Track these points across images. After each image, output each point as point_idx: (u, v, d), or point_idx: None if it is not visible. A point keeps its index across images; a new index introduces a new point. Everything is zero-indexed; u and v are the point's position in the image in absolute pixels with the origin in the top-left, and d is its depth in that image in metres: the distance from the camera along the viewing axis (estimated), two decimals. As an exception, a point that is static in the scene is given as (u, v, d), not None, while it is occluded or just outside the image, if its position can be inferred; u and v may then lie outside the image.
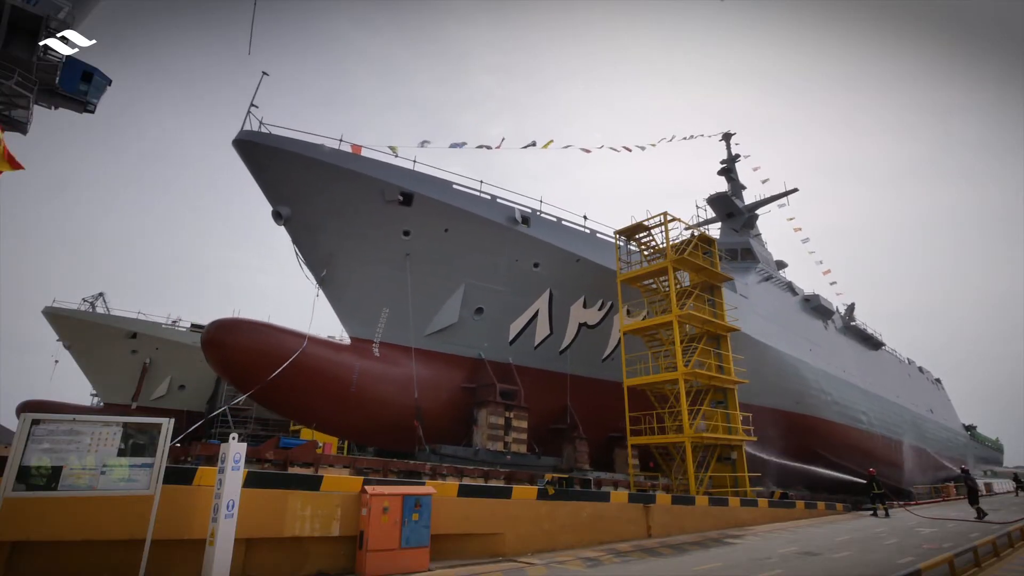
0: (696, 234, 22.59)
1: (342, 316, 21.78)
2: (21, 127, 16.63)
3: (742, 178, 42.87)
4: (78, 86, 17.11)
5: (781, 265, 41.70)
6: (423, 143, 20.62)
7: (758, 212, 40.92)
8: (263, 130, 18.69)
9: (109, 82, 17.75)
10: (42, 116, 17.61)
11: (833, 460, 31.66)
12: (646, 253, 22.47)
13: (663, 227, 21.30)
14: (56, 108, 17.51)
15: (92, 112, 17.76)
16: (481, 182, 20.84)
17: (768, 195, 41.32)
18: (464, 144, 21.98)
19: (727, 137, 43.07)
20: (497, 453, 19.21)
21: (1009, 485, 43.81)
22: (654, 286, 21.72)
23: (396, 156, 19.72)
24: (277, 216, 19.38)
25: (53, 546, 7.20)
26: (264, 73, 18.49)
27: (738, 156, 42.98)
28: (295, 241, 20.36)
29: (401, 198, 19.23)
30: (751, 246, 36.04)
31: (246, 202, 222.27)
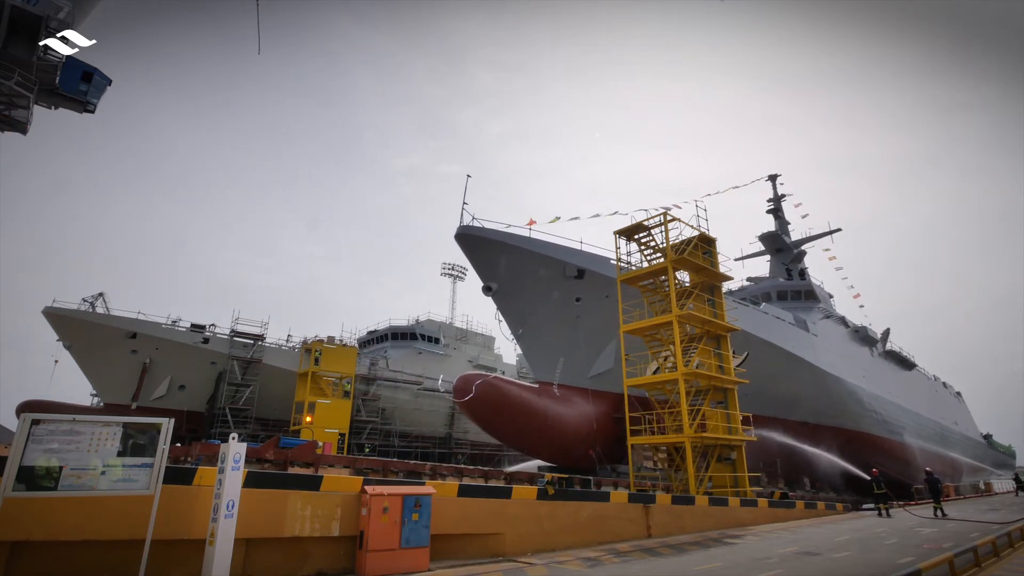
0: (696, 234, 22.59)
1: (532, 364, 28.80)
2: (21, 127, 16.60)
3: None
4: (78, 86, 17.08)
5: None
6: (555, 218, 26.52)
7: (804, 248, 46.29)
8: (475, 223, 24.77)
9: (109, 82, 17.72)
10: (42, 116, 17.59)
11: (879, 468, 35.02)
12: (646, 253, 22.46)
13: (663, 227, 21.27)
14: (56, 108, 17.49)
15: (92, 112, 17.72)
16: (629, 253, 25.03)
17: (811, 232, 47.08)
18: (577, 218, 30.62)
19: (773, 178, 47.63)
20: (649, 469, 22.81)
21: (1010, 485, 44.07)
22: (654, 286, 21.69)
23: (557, 221, 26.11)
24: (487, 289, 25.40)
25: (53, 546, 7.20)
26: (468, 176, 24.63)
27: (784, 196, 47.53)
28: (499, 307, 26.36)
29: (577, 273, 24.38)
30: (812, 287, 40.86)
31: (246, 202, 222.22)
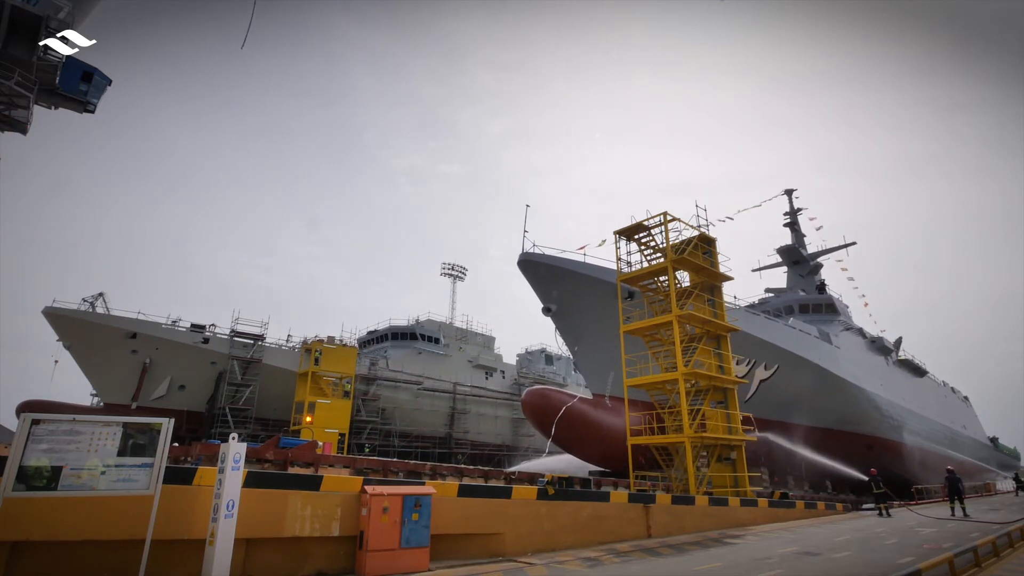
0: (696, 234, 22.59)
1: (586, 376, 31.82)
2: (21, 127, 16.62)
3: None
4: (78, 86, 17.10)
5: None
6: (602, 242, 28.59)
7: (821, 260, 48.50)
8: (535, 250, 27.28)
9: (109, 82, 17.73)
10: (42, 116, 17.61)
11: (893, 471, 37.48)
12: (646, 253, 22.46)
13: (663, 227, 21.27)
14: (56, 108, 17.51)
15: (92, 112, 17.74)
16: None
17: (827, 246, 49.38)
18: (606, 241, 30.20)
19: (789, 192, 49.89)
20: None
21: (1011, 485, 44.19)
22: (654, 286, 21.69)
23: (601, 246, 28.45)
24: (547, 310, 27.91)
25: (53, 546, 7.20)
26: (527, 205, 27.57)
27: (800, 209, 49.81)
28: (557, 326, 28.98)
29: (628, 295, 25.03)
30: (833, 301, 42.64)
31: (246, 202, 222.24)
